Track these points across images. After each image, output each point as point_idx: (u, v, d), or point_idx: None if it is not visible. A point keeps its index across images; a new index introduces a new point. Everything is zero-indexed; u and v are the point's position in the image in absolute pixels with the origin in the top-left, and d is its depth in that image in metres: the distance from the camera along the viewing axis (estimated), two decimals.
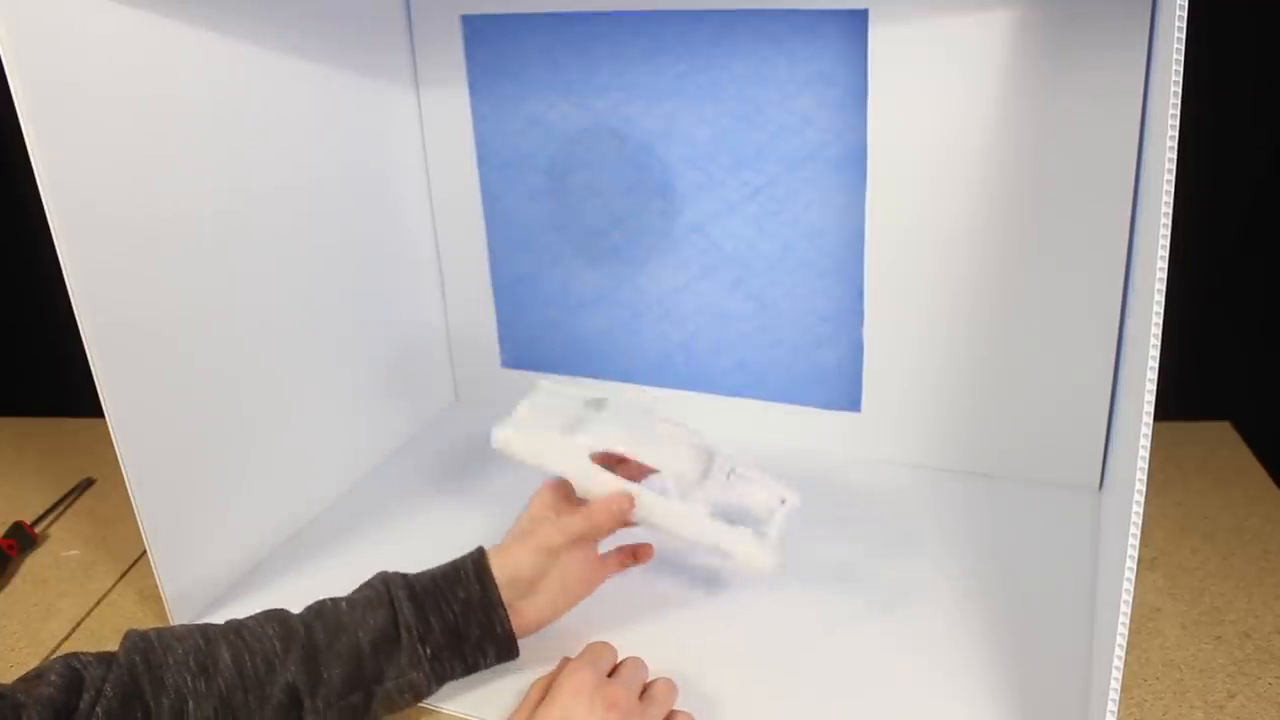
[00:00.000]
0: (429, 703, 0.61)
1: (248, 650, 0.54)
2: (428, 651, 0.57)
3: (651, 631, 0.66)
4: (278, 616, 0.57)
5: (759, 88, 0.77)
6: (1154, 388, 0.45)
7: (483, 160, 0.89)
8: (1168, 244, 0.43)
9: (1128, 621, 0.46)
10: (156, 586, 0.67)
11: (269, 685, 0.54)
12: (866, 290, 0.79)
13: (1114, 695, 0.47)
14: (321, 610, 0.58)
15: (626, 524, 0.64)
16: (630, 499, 0.63)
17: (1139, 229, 0.63)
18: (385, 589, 0.59)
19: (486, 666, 0.60)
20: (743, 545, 0.63)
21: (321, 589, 0.69)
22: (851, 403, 0.84)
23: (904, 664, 0.62)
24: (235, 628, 0.56)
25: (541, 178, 0.88)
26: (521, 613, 0.61)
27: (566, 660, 0.59)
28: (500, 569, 0.60)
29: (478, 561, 0.61)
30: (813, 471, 0.83)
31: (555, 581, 0.63)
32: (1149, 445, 0.45)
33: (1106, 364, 0.73)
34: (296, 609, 0.60)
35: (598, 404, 0.69)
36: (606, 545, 0.67)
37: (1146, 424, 0.45)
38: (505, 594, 0.60)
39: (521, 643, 0.61)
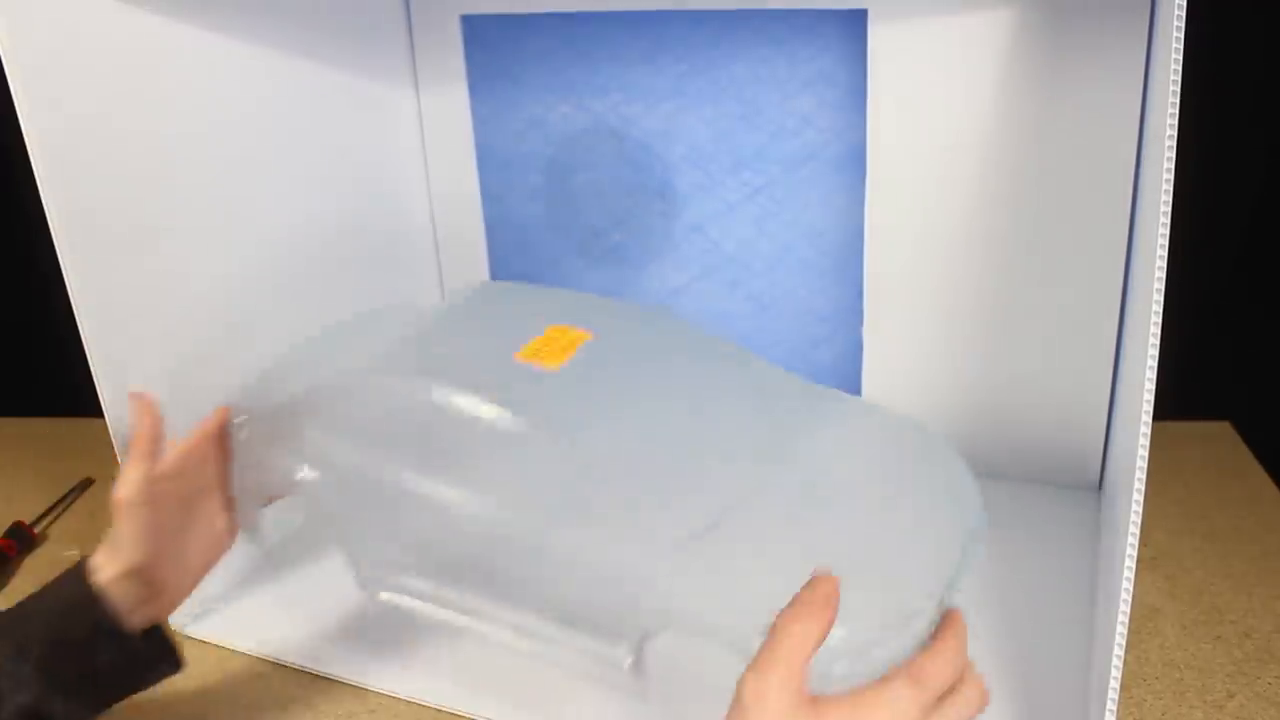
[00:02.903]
0: (431, 702, 0.61)
1: None
2: (28, 668, 0.49)
3: None
4: None
5: (759, 88, 0.77)
6: (1154, 388, 0.45)
7: (483, 160, 0.89)
8: (1167, 244, 0.43)
9: (1127, 621, 0.46)
10: None
11: None
12: (866, 290, 0.79)
13: (1114, 695, 0.47)
14: None
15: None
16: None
17: (1139, 229, 0.63)
18: None
19: (113, 670, 0.52)
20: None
21: (321, 588, 0.69)
22: None
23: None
24: None
25: (541, 178, 0.88)
26: (144, 612, 0.53)
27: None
28: (108, 577, 0.52)
29: (78, 568, 0.53)
30: None
31: (185, 557, 0.57)
32: (1149, 445, 0.45)
33: (1106, 364, 0.73)
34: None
35: None
36: None
37: (1146, 424, 0.45)
38: (117, 595, 0.52)
39: None
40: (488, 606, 0.55)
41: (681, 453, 0.55)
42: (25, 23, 0.53)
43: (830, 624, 0.39)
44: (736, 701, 0.39)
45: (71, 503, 0.89)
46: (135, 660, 0.53)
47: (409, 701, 0.62)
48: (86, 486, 0.91)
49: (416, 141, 0.89)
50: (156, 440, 0.56)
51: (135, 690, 0.54)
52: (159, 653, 0.55)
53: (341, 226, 0.81)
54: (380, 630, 0.68)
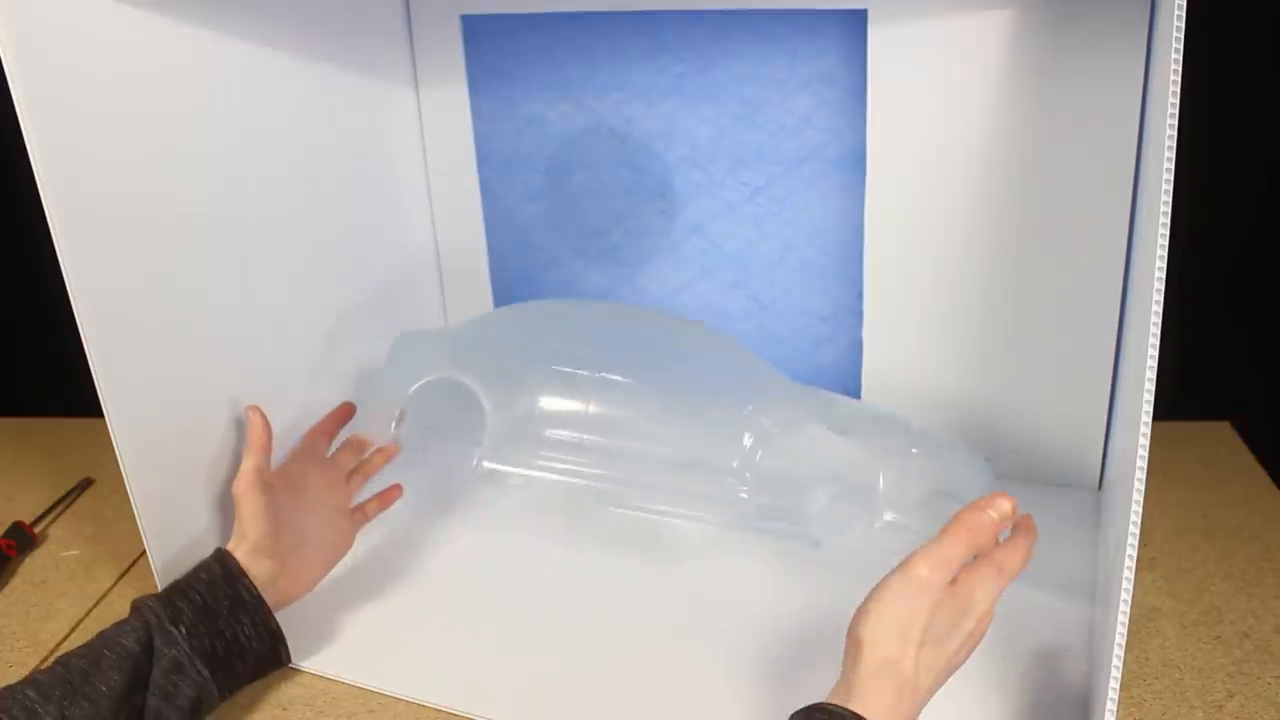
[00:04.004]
0: (431, 702, 0.61)
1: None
2: (182, 630, 0.56)
3: (645, 630, 0.66)
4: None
5: (759, 88, 0.77)
6: (1154, 388, 0.45)
7: (483, 160, 0.89)
8: (1167, 243, 0.44)
9: (1127, 621, 0.46)
10: (156, 586, 0.67)
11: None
12: (866, 290, 0.79)
13: (1114, 695, 0.47)
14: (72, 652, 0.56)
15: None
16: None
17: (1138, 228, 0.63)
18: (131, 607, 0.59)
19: (249, 643, 0.59)
20: None
21: (321, 589, 0.70)
22: None
23: None
24: None
25: (541, 178, 0.88)
26: (278, 587, 0.63)
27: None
28: (241, 554, 0.62)
29: (216, 552, 0.62)
30: None
31: (306, 544, 0.66)
32: (1148, 445, 0.45)
33: (1106, 364, 0.73)
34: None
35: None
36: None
37: (1146, 424, 0.45)
38: (253, 571, 0.61)
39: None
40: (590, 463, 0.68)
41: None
42: (25, 23, 0.53)
43: (990, 537, 0.52)
44: (905, 569, 0.50)
45: (71, 503, 0.89)
46: (265, 635, 0.60)
47: (409, 701, 0.62)
48: (86, 486, 0.91)
49: (416, 141, 0.89)
50: (266, 439, 0.66)
51: (256, 675, 0.61)
52: (281, 638, 0.62)
53: (341, 225, 0.81)
54: (381, 630, 0.68)
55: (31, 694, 0.52)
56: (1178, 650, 0.62)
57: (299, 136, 0.75)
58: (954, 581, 0.50)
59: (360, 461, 0.74)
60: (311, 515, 0.68)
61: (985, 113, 0.69)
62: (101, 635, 0.56)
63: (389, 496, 0.75)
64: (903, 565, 0.50)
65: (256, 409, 0.68)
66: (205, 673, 0.57)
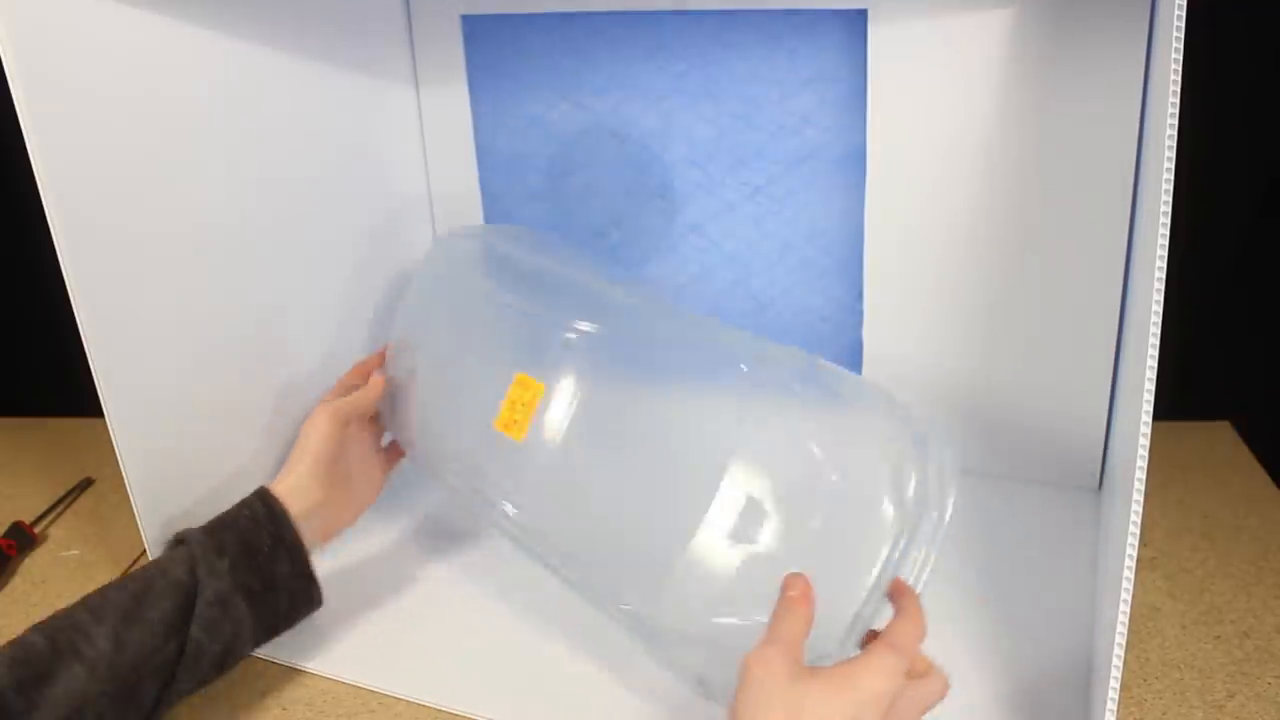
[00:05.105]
0: (431, 702, 0.61)
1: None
2: (225, 563, 0.58)
3: None
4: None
5: (758, 87, 0.77)
6: (1154, 388, 0.45)
7: (483, 160, 0.89)
8: (1167, 243, 0.44)
9: (1127, 621, 0.46)
10: None
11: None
12: (866, 290, 0.79)
13: (1114, 695, 0.47)
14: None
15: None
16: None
17: (1138, 228, 0.63)
18: (174, 538, 0.61)
19: (285, 583, 0.61)
20: None
21: (321, 588, 0.69)
22: None
23: None
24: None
25: (541, 178, 0.88)
26: (321, 518, 0.65)
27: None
28: (284, 489, 0.64)
29: (258, 490, 0.64)
30: None
31: (351, 478, 0.69)
32: (1149, 445, 0.45)
33: (1106, 364, 0.73)
34: None
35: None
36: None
37: (1146, 424, 0.45)
38: (296, 503, 0.63)
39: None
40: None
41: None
42: (25, 23, 0.53)
43: (812, 611, 0.48)
44: (745, 673, 0.45)
45: (71, 503, 0.89)
46: (301, 578, 0.62)
47: (409, 701, 0.62)
48: (86, 486, 0.91)
49: (416, 141, 0.89)
50: (371, 401, 0.71)
51: (291, 619, 0.62)
52: (315, 581, 0.63)
53: (341, 225, 0.81)
54: (381, 630, 0.68)
55: (84, 616, 0.53)
56: (1178, 650, 0.62)
57: (298, 136, 0.75)
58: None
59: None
60: (352, 451, 0.71)
61: (985, 112, 0.69)
62: (150, 564, 0.57)
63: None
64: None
65: (380, 373, 0.72)
66: (243, 606, 0.58)
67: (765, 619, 0.48)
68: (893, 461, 0.53)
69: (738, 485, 0.55)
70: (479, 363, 0.68)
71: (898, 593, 0.50)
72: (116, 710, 0.52)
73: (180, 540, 0.60)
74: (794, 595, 0.48)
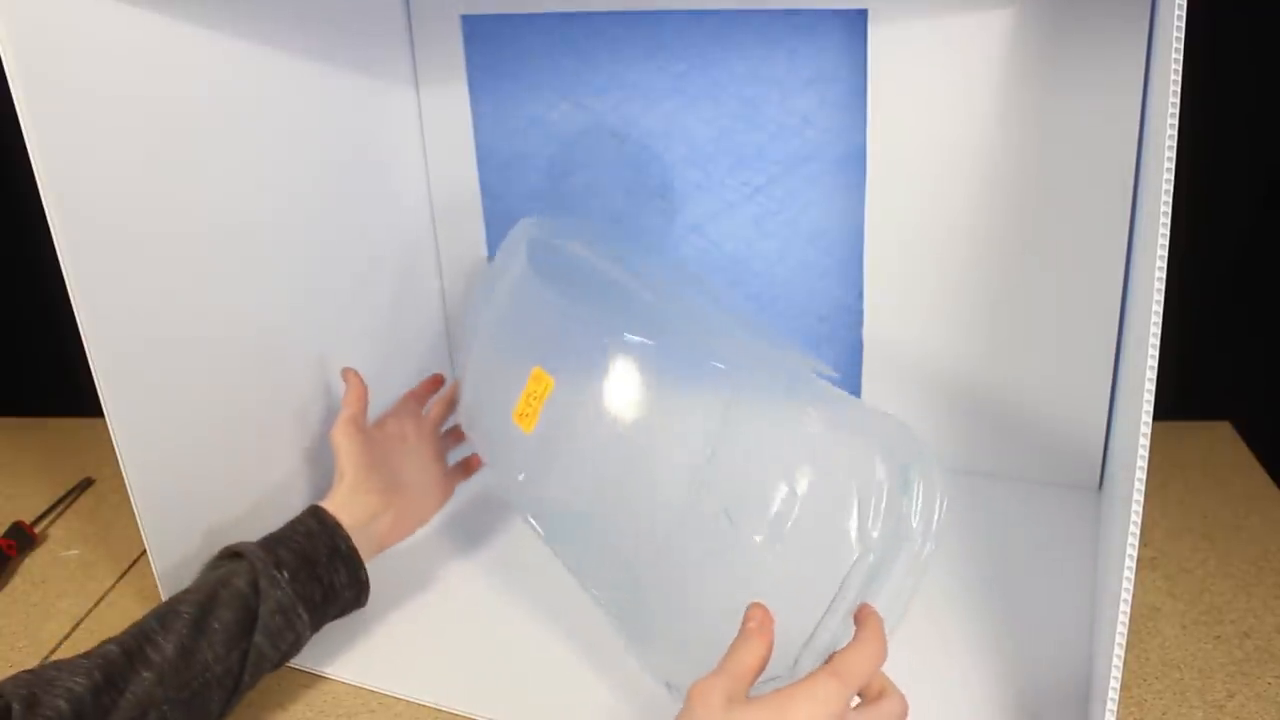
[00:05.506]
0: (431, 702, 0.61)
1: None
2: (285, 575, 0.60)
3: None
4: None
5: (759, 87, 0.77)
6: (1154, 388, 0.45)
7: (483, 160, 0.89)
8: (1167, 243, 0.44)
9: (1127, 621, 0.46)
10: (156, 586, 0.67)
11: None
12: (866, 290, 0.79)
13: (1114, 695, 0.47)
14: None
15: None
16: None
17: (1138, 228, 0.63)
18: (228, 552, 0.63)
19: (342, 591, 0.63)
20: None
21: None
22: None
23: (903, 663, 0.61)
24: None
25: (541, 178, 0.88)
26: (382, 524, 0.67)
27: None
28: (336, 502, 0.66)
29: (311, 508, 0.65)
30: None
31: (404, 485, 0.70)
32: (1149, 445, 0.45)
33: (1106, 364, 0.73)
34: None
35: None
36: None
37: (1146, 424, 0.45)
38: (351, 514, 0.65)
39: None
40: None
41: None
42: (25, 23, 0.53)
43: (769, 644, 0.48)
44: (686, 702, 0.45)
45: (71, 503, 0.89)
46: (355, 584, 0.64)
47: (409, 701, 0.62)
48: (86, 486, 0.91)
49: (416, 141, 0.89)
50: (362, 395, 0.72)
51: (337, 618, 0.64)
52: (367, 587, 0.65)
53: (341, 225, 0.81)
54: (381, 631, 0.68)
55: (153, 624, 0.55)
56: (1178, 650, 0.62)
57: (298, 136, 0.75)
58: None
59: (457, 424, 0.78)
60: (408, 460, 0.73)
61: (986, 112, 0.69)
62: (211, 576, 0.59)
63: (475, 463, 0.79)
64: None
65: (353, 371, 0.74)
66: (305, 616, 0.60)
67: (727, 631, 0.49)
68: (864, 489, 0.53)
69: (706, 498, 0.56)
70: (513, 356, 0.68)
71: (860, 619, 0.50)
72: (183, 716, 0.54)
73: (235, 553, 0.62)
74: (751, 627, 0.48)
